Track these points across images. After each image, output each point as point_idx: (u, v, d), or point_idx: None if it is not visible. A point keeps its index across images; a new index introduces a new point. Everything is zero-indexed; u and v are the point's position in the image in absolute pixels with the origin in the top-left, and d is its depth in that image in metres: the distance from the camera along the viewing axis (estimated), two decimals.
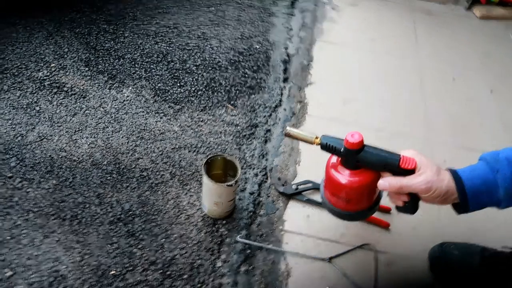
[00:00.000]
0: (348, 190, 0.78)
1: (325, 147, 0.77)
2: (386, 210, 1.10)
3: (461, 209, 0.72)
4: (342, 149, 0.75)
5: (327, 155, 1.23)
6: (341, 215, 0.85)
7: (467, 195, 0.69)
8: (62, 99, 1.27)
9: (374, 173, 0.76)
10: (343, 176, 0.78)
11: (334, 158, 0.81)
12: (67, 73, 1.35)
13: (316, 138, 0.78)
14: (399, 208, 0.79)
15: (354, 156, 0.74)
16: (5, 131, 1.15)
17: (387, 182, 0.73)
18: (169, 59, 1.46)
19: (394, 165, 0.72)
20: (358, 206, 0.82)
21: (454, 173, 0.71)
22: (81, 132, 1.19)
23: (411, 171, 0.72)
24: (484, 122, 1.45)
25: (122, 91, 1.33)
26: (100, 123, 1.22)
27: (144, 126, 1.23)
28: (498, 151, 0.72)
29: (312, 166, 1.20)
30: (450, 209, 1.16)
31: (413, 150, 0.74)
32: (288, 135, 0.80)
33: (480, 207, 0.71)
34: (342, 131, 1.37)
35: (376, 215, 1.09)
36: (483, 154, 0.73)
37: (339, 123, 1.34)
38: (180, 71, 1.43)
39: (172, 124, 1.25)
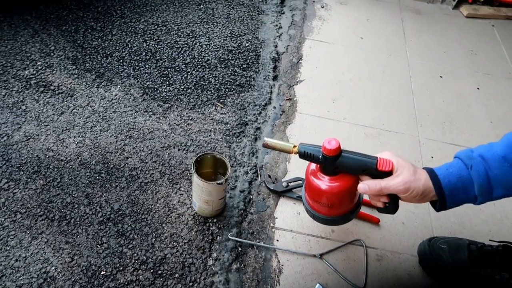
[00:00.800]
0: (329, 196, 0.80)
1: (303, 155, 0.78)
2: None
3: (440, 206, 0.73)
4: (320, 156, 0.76)
5: None
6: (324, 221, 0.86)
7: (444, 193, 0.71)
8: (49, 98, 1.25)
9: (353, 177, 0.78)
10: (323, 182, 0.79)
11: (313, 165, 0.82)
12: (54, 72, 1.33)
13: (294, 147, 0.79)
14: (380, 209, 0.81)
15: (333, 162, 0.75)
16: None
17: (366, 185, 0.75)
18: (157, 57, 1.45)
19: (372, 168, 0.74)
20: (340, 210, 0.84)
21: (431, 172, 0.73)
22: (68, 131, 1.17)
23: (388, 173, 0.73)
24: (472, 118, 1.47)
25: (110, 89, 1.32)
26: (88, 122, 1.21)
27: (133, 125, 1.22)
28: (473, 148, 0.74)
29: (302, 163, 1.20)
30: None
31: (389, 152, 0.76)
32: (266, 146, 0.81)
33: (458, 203, 0.73)
34: (331, 128, 1.38)
35: (366, 211, 1.10)
36: (457, 152, 0.75)
37: (328, 120, 1.35)
38: (169, 69, 1.42)
39: (161, 123, 1.24)
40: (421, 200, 0.73)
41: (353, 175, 0.78)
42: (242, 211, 1.06)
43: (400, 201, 0.77)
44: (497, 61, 1.78)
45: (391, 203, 0.78)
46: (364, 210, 1.10)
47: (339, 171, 0.78)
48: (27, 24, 1.48)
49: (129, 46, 1.48)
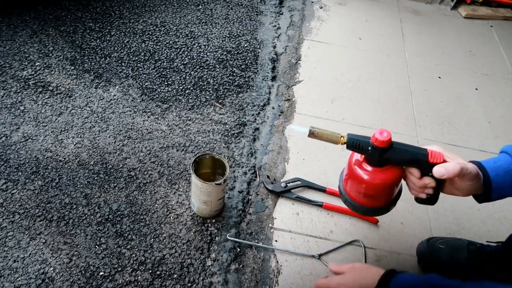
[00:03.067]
0: (375, 187, 0.77)
1: (351, 146, 0.75)
2: None
3: (483, 199, 0.74)
4: (369, 148, 0.73)
5: (316, 153, 1.24)
6: (366, 211, 0.83)
7: (492, 185, 0.71)
8: (47, 98, 1.25)
9: (400, 168, 0.76)
10: (370, 173, 0.76)
11: (357, 156, 0.79)
12: (52, 72, 1.33)
13: (342, 137, 0.76)
14: (421, 200, 0.79)
15: (383, 153, 0.73)
16: None
17: (443, 168, 0.71)
18: (156, 58, 1.45)
19: (423, 160, 0.72)
20: (383, 201, 0.81)
21: (479, 165, 0.73)
22: (67, 132, 1.17)
23: None
24: (470, 118, 1.47)
25: (108, 90, 1.31)
26: (86, 122, 1.21)
27: (132, 126, 1.22)
28: None
29: (301, 164, 1.21)
30: (438, 204, 1.17)
31: (437, 145, 0.75)
32: (312, 135, 0.77)
33: (502, 196, 0.73)
34: (330, 129, 1.38)
35: None
36: (504, 147, 0.76)
37: (327, 121, 1.35)
38: (168, 70, 1.42)
39: (159, 123, 1.24)
40: (474, 190, 0.73)
41: (399, 167, 0.76)
42: (240, 212, 1.06)
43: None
44: (496, 61, 1.78)
45: (435, 193, 0.76)
46: None
47: (386, 163, 0.75)
48: (26, 24, 1.47)
49: (128, 46, 1.48)
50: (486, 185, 0.72)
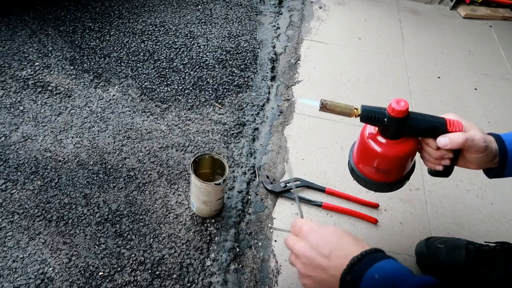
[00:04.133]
0: (392, 160, 0.73)
1: (366, 118, 0.70)
2: (374, 206, 1.12)
3: (496, 173, 0.71)
4: (385, 119, 0.69)
5: (315, 153, 1.24)
6: (380, 187, 0.80)
7: (507, 159, 0.69)
8: (47, 98, 1.25)
9: (416, 140, 0.73)
10: (386, 147, 0.72)
11: (370, 128, 0.75)
12: (52, 72, 1.33)
13: (356, 109, 0.71)
14: (435, 173, 0.76)
15: (400, 124, 0.69)
16: None
17: (447, 138, 0.68)
18: (155, 58, 1.45)
19: (442, 129, 0.69)
20: (398, 175, 0.77)
21: (497, 137, 0.70)
22: (66, 132, 1.17)
23: None
24: (469, 119, 1.45)
25: (108, 90, 1.31)
26: (85, 122, 1.21)
27: (131, 126, 1.22)
28: None
29: (300, 163, 1.21)
30: (437, 204, 1.18)
31: (453, 114, 0.72)
32: (324, 108, 0.72)
33: None
34: (329, 129, 1.38)
35: (365, 211, 1.10)
36: None
37: (326, 121, 1.35)
38: (167, 70, 1.42)
39: (159, 123, 1.24)
40: (485, 164, 0.70)
41: (415, 138, 0.72)
42: (240, 212, 1.06)
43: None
44: (495, 61, 1.78)
45: (451, 164, 0.73)
46: (362, 210, 1.10)
47: (402, 134, 0.71)
48: (25, 24, 1.47)
49: (127, 46, 1.48)
50: (502, 158, 0.69)
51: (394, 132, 0.71)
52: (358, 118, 0.71)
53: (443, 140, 0.69)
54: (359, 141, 0.77)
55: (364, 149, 0.75)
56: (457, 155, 0.72)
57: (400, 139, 0.72)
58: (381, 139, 0.73)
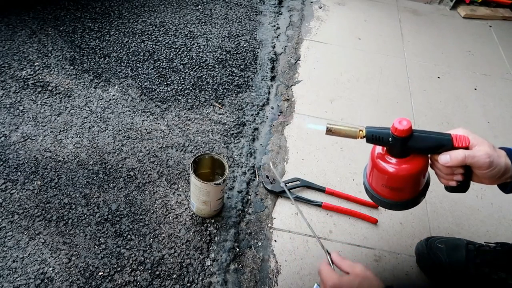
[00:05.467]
0: (401, 179, 0.74)
1: (371, 139, 0.72)
2: (374, 206, 1.12)
3: (511, 187, 0.71)
4: (390, 139, 0.70)
5: (315, 153, 1.24)
6: (393, 206, 0.80)
7: None
8: (47, 98, 1.25)
9: (425, 157, 0.73)
10: (393, 166, 0.73)
11: (379, 149, 0.76)
12: (52, 72, 1.33)
13: (361, 131, 0.73)
14: (451, 189, 0.76)
15: (404, 143, 0.70)
16: None
17: (448, 155, 0.69)
18: (155, 58, 1.45)
19: (448, 146, 0.69)
20: (411, 193, 0.78)
21: (509, 151, 0.69)
22: (66, 132, 1.17)
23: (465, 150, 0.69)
24: (469, 119, 1.47)
25: (108, 90, 1.31)
26: (85, 122, 1.21)
27: (131, 126, 1.22)
28: None
29: (300, 163, 1.21)
30: (437, 204, 1.18)
31: (462, 128, 0.72)
32: (329, 132, 0.74)
33: None
34: None
35: (364, 211, 1.10)
36: None
37: (326, 121, 1.35)
38: (167, 70, 1.42)
39: (159, 123, 1.24)
40: (496, 180, 0.70)
41: (423, 155, 0.73)
42: (240, 212, 1.06)
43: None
44: (495, 61, 1.78)
45: (465, 180, 0.72)
46: (362, 210, 1.10)
47: (409, 153, 0.72)
48: (25, 24, 1.47)
49: (127, 46, 1.48)
50: None
51: (400, 151, 0.72)
52: (364, 139, 0.73)
53: (444, 158, 0.70)
54: (370, 161, 0.79)
55: (375, 168, 0.77)
56: (469, 171, 0.72)
57: (408, 157, 0.73)
58: (390, 158, 0.74)
